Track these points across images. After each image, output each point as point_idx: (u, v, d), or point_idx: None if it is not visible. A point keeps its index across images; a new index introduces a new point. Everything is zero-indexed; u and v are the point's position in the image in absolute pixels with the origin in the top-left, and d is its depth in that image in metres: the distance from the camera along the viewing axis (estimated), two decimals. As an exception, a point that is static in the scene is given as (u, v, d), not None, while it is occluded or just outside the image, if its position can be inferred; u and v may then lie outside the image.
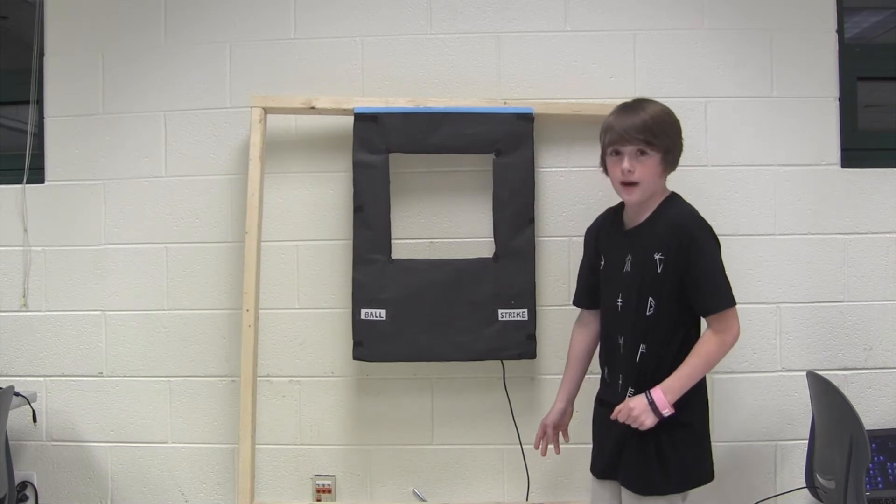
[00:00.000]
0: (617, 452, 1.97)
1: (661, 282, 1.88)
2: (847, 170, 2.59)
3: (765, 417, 2.58)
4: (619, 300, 1.97)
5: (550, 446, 2.20)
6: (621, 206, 2.09)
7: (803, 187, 2.59)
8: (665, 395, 1.83)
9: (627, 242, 1.99)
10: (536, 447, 2.19)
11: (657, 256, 1.89)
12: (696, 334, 1.94)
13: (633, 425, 1.85)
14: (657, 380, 1.86)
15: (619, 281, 1.98)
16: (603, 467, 2.03)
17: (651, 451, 1.89)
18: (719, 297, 1.87)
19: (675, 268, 1.87)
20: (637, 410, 1.83)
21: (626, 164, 1.91)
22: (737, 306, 1.90)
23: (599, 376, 2.11)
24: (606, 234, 2.09)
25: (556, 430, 2.19)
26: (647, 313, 1.90)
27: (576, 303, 2.23)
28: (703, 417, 1.97)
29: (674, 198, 1.99)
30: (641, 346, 1.91)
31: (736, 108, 2.60)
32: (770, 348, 2.58)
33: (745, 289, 2.57)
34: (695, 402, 1.92)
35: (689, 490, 1.93)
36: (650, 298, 1.90)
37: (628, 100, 2.02)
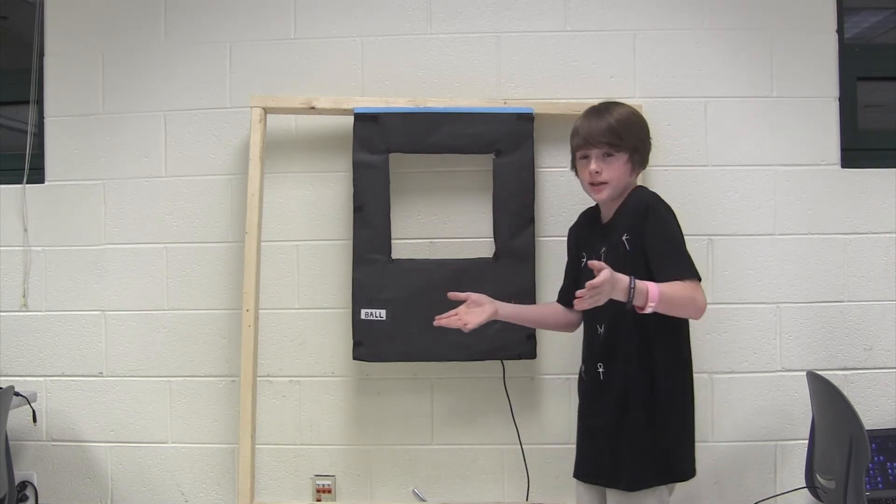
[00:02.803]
0: (596, 454, 1.99)
1: (632, 261, 1.89)
2: (847, 170, 2.59)
3: (765, 417, 2.58)
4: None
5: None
6: (597, 207, 2.13)
7: (803, 187, 2.59)
8: (650, 288, 1.77)
9: (602, 235, 2.04)
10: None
11: (624, 238, 1.93)
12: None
13: (592, 297, 1.73)
14: (641, 358, 1.90)
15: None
16: (585, 470, 2.05)
17: (632, 446, 1.90)
18: (681, 267, 1.86)
19: (638, 242, 1.90)
20: (608, 283, 1.72)
21: (593, 166, 1.97)
22: (701, 283, 1.87)
23: (577, 378, 2.12)
24: (586, 230, 2.14)
25: (473, 305, 2.09)
26: None
27: (558, 299, 2.27)
28: (686, 414, 1.97)
29: (640, 188, 2.06)
30: (622, 328, 1.93)
31: (736, 108, 2.60)
32: (770, 348, 2.58)
33: (745, 289, 2.58)
34: (677, 398, 1.95)
35: (673, 484, 1.94)
36: None
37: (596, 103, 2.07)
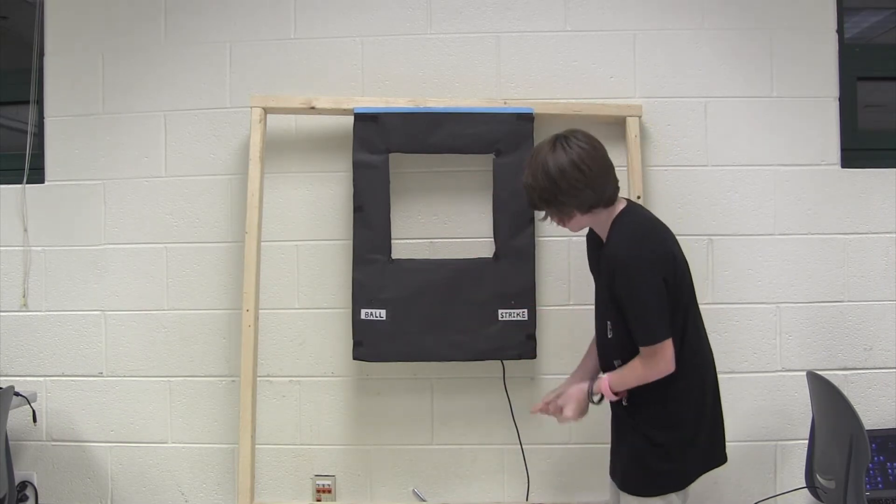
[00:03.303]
0: (615, 452, 2.02)
1: (610, 307, 1.91)
2: (847, 170, 2.59)
3: (765, 417, 2.58)
4: (596, 321, 2.04)
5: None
6: None
7: (803, 187, 2.59)
8: (602, 385, 1.93)
9: (599, 259, 1.99)
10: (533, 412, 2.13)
11: (608, 281, 1.90)
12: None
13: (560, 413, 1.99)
14: (632, 396, 1.93)
15: (595, 294, 2.04)
16: (610, 467, 2.06)
17: (636, 453, 1.91)
18: (642, 333, 1.85)
19: (614, 295, 1.88)
20: (562, 399, 2.00)
21: (551, 220, 1.97)
22: (668, 341, 1.83)
23: None
24: (594, 245, 2.08)
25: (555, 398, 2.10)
26: (608, 336, 1.94)
27: None
28: (693, 421, 1.92)
29: (620, 219, 1.93)
30: (616, 360, 1.95)
31: (736, 108, 2.60)
32: (770, 348, 2.58)
33: (745, 289, 2.58)
34: (679, 403, 1.91)
35: (673, 492, 1.91)
36: (607, 323, 1.94)
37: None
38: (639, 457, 1.91)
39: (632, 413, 1.93)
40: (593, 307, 2.06)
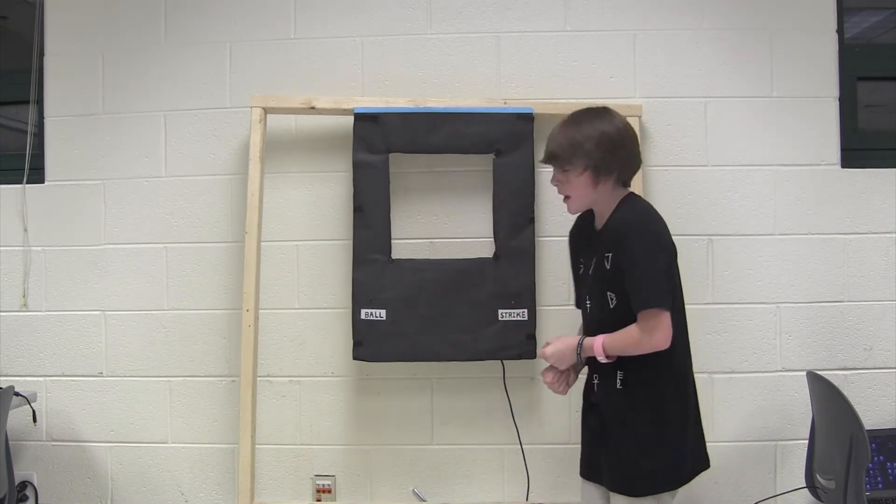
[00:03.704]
0: (597, 454, 1.98)
1: (611, 279, 1.91)
2: (847, 170, 2.59)
3: (765, 417, 2.58)
4: (588, 301, 2.02)
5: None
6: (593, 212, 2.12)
7: (803, 187, 2.59)
8: (594, 343, 1.91)
9: (594, 245, 2.02)
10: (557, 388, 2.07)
11: (607, 254, 1.92)
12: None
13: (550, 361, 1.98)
14: (639, 365, 1.89)
15: (587, 282, 2.03)
16: (587, 469, 2.05)
17: (626, 452, 1.89)
18: (645, 296, 1.84)
19: (617, 264, 1.90)
20: (556, 357, 1.98)
21: (553, 182, 1.98)
22: (667, 314, 1.82)
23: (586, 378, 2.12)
24: (583, 236, 2.11)
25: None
26: (611, 306, 1.93)
27: (576, 305, 2.24)
28: (681, 421, 1.92)
29: (628, 199, 1.96)
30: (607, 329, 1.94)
31: (736, 108, 2.60)
32: (770, 348, 2.58)
33: (745, 289, 2.58)
34: (671, 403, 1.91)
35: (666, 492, 1.91)
36: (609, 294, 1.93)
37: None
38: (635, 454, 1.88)
39: (625, 410, 1.90)
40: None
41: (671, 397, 1.91)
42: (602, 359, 1.89)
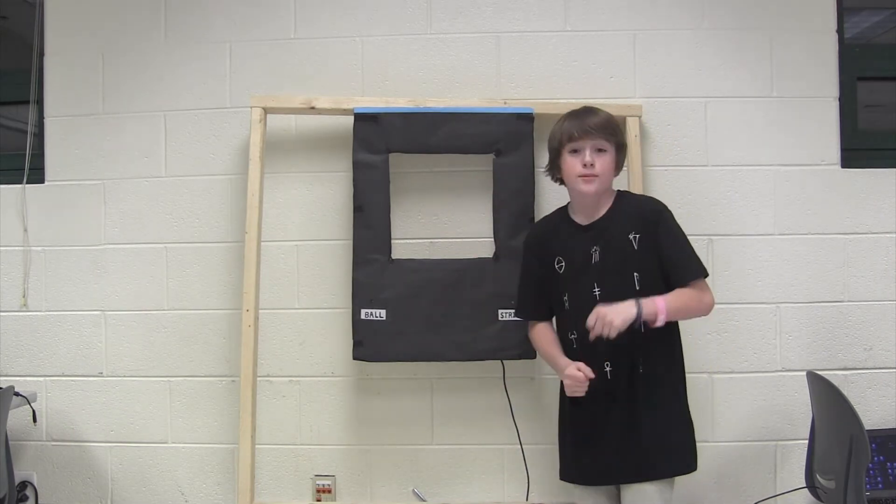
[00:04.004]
0: (607, 452, 1.99)
1: (640, 258, 1.99)
2: (847, 170, 2.59)
3: (765, 417, 2.58)
4: (596, 289, 2.01)
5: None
6: (562, 210, 2.18)
7: (803, 187, 2.59)
8: (657, 303, 1.92)
9: (591, 236, 2.05)
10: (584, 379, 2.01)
11: (632, 236, 1.99)
12: None
13: (604, 328, 1.88)
14: (662, 348, 1.99)
15: (592, 272, 2.03)
16: (594, 473, 2.04)
17: (662, 433, 1.96)
18: (693, 268, 2.01)
19: (648, 244, 1.99)
20: (613, 313, 1.88)
21: (587, 157, 2.01)
22: (710, 281, 2.02)
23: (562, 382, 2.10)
24: (558, 236, 2.12)
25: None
26: (637, 288, 1.97)
27: (526, 316, 2.24)
28: (687, 406, 2.05)
29: (624, 192, 2.15)
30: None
31: (736, 108, 2.60)
32: (770, 348, 2.58)
33: (745, 289, 2.58)
34: (680, 388, 2.04)
35: (676, 476, 1.99)
36: (634, 274, 1.98)
37: (576, 107, 2.14)
38: (674, 433, 1.98)
39: (653, 392, 1.97)
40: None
41: (684, 379, 2.05)
42: (661, 319, 1.91)
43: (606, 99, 2.56)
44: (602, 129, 2.03)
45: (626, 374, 1.98)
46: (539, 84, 2.62)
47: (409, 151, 2.54)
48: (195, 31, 2.70)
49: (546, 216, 2.26)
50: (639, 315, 1.90)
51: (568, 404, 2.08)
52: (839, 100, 2.60)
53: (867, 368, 2.57)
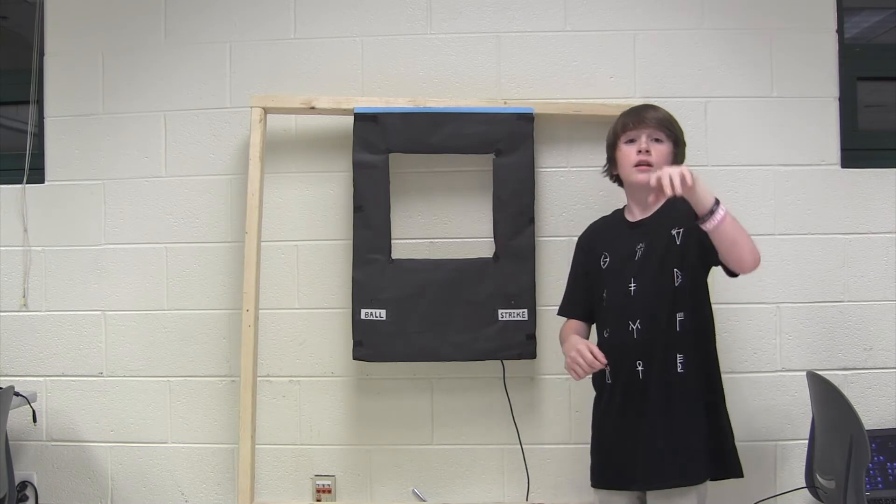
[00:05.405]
0: (633, 455, 1.96)
1: (683, 253, 1.96)
2: (847, 170, 2.59)
3: (765, 417, 2.58)
4: (632, 284, 2.00)
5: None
6: (618, 211, 2.18)
7: (803, 187, 2.59)
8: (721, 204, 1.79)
9: (638, 233, 2.05)
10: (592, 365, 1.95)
11: (675, 231, 1.97)
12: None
13: (670, 186, 1.72)
14: (699, 347, 1.96)
15: (632, 267, 2.02)
16: (616, 476, 2.02)
17: (700, 436, 1.95)
18: None
19: (691, 239, 1.94)
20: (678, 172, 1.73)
21: (643, 144, 2.02)
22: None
23: (598, 385, 2.11)
24: (609, 233, 2.14)
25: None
26: (676, 284, 1.96)
27: (565, 313, 2.24)
28: (724, 409, 2.06)
29: None
30: (678, 314, 1.95)
31: (736, 108, 2.60)
32: (770, 348, 2.58)
33: (745, 289, 2.57)
34: (717, 389, 2.02)
35: (711, 480, 2.01)
36: (675, 270, 1.96)
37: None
38: (716, 437, 1.99)
39: (690, 393, 1.95)
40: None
41: (720, 380, 2.02)
42: (718, 217, 1.75)
43: (606, 99, 2.56)
44: (658, 120, 2.05)
45: (658, 375, 1.94)
46: (539, 84, 2.61)
47: (409, 151, 2.54)
48: (195, 31, 2.70)
49: (601, 218, 2.25)
50: (714, 206, 1.76)
51: (601, 402, 2.09)
52: (839, 100, 2.60)
53: (867, 368, 2.57)
